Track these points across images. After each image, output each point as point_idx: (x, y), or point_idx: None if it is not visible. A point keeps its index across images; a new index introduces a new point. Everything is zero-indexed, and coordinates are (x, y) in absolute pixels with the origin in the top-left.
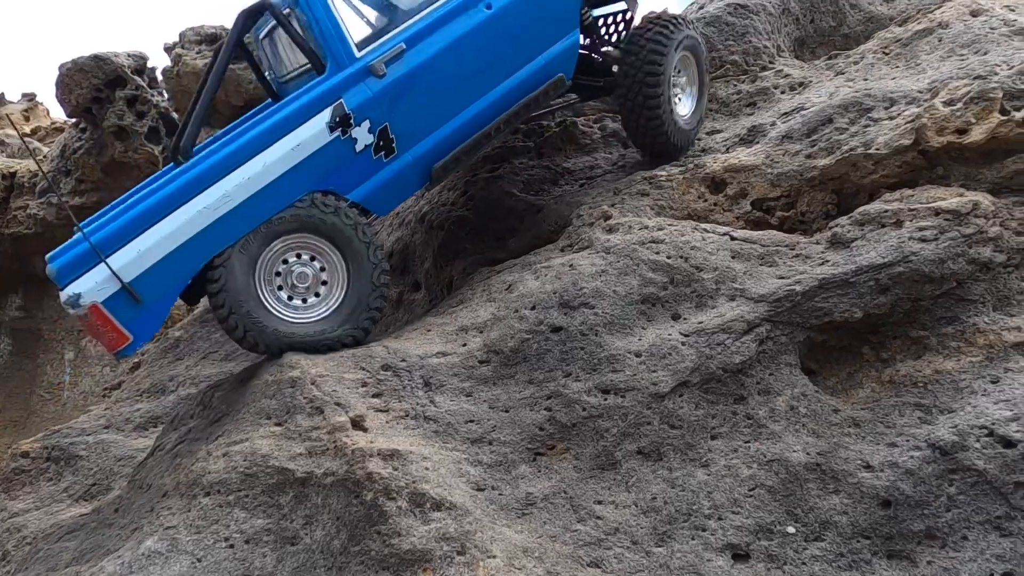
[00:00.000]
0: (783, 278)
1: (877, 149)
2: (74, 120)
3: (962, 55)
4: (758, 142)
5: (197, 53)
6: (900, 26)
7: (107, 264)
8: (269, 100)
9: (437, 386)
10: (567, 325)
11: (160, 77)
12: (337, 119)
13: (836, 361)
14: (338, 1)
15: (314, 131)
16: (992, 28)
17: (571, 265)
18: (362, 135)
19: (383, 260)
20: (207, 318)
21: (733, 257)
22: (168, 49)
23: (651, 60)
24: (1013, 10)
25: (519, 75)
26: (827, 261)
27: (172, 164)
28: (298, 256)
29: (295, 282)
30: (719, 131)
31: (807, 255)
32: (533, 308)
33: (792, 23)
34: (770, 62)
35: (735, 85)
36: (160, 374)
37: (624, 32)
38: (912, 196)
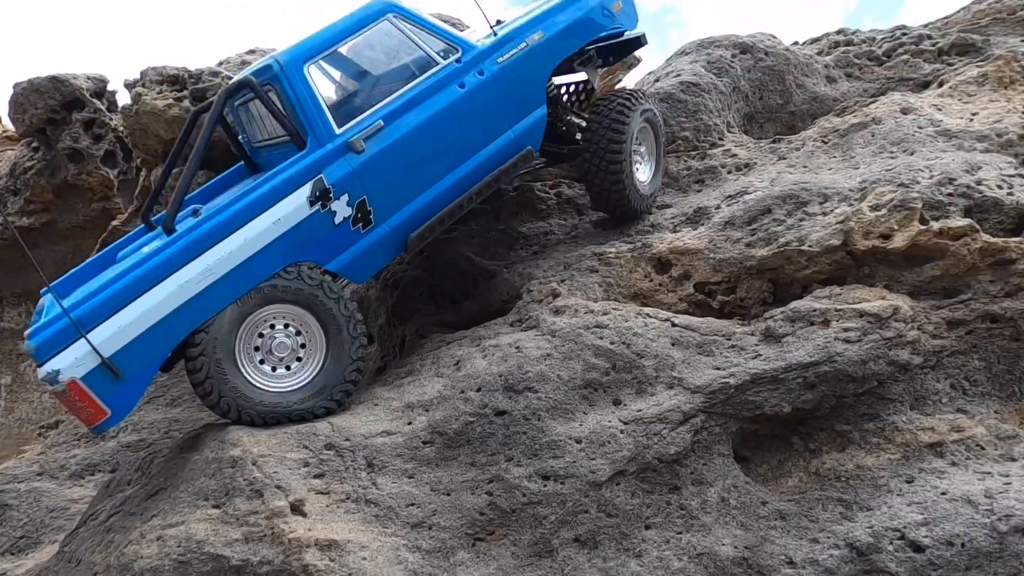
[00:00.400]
0: (719, 369)
1: (810, 246)
2: (27, 138)
3: (892, 152)
4: (703, 224)
5: (158, 93)
6: (839, 116)
7: (88, 340)
8: (242, 163)
9: (380, 467)
10: (511, 409)
11: (119, 109)
12: (317, 193)
13: (768, 449)
14: (317, 77)
15: (295, 205)
16: (920, 127)
17: (517, 347)
18: (341, 208)
19: (361, 359)
20: None
21: (673, 344)
22: (129, 86)
23: (615, 126)
24: (940, 109)
25: (490, 149)
26: (760, 355)
27: (144, 227)
28: (285, 326)
29: (273, 349)
30: (669, 206)
31: (742, 346)
32: (479, 390)
33: (742, 100)
34: (719, 139)
35: (686, 161)
36: None
37: (585, 100)
38: (840, 295)
